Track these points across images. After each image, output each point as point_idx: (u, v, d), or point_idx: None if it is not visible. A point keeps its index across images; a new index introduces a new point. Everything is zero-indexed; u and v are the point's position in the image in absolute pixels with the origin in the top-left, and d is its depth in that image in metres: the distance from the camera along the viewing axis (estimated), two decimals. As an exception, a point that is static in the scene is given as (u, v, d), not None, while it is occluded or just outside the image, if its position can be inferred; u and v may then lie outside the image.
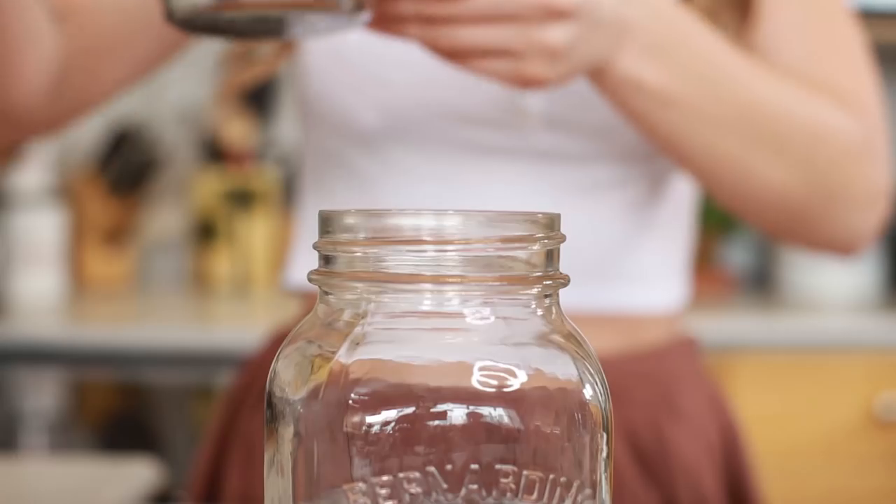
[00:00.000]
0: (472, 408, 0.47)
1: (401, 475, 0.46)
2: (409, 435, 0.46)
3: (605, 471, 0.49)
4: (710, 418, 1.02)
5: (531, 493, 0.47)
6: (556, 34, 0.75)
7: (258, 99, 2.51)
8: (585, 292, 0.95)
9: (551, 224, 0.50)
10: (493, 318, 0.48)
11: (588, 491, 0.48)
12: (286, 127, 2.56)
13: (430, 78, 0.91)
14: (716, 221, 2.30)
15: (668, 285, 1.01)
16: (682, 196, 1.01)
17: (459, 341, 0.48)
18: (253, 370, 1.04)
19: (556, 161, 0.94)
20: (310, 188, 1.03)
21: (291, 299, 1.11)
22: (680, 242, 1.03)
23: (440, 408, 0.46)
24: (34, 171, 2.34)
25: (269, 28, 0.78)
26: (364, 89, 0.94)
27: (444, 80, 0.90)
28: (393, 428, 0.46)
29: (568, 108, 0.92)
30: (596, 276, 0.96)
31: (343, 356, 0.48)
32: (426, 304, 0.48)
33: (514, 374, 0.47)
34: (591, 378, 0.49)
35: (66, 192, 2.44)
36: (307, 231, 1.03)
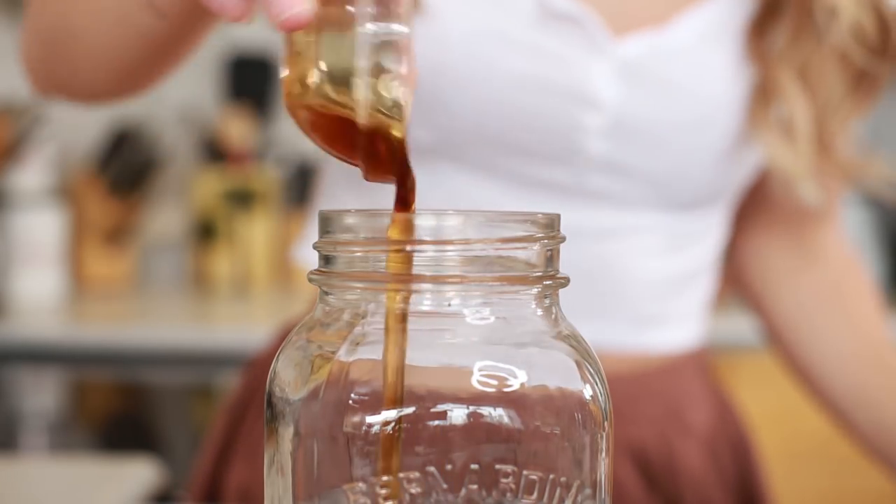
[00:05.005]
0: (472, 408, 0.46)
1: (401, 475, 0.46)
2: (409, 435, 0.46)
3: (605, 471, 0.49)
4: (720, 431, 1.01)
5: (531, 494, 0.47)
6: None
7: (258, 99, 2.51)
8: (613, 332, 0.95)
9: (551, 224, 0.49)
10: (492, 318, 0.48)
11: (588, 491, 0.48)
12: (286, 127, 2.55)
13: (491, 106, 0.88)
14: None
15: (694, 327, 1.01)
16: (716, 243, 1.01)
17: (459, 341, 0.48)
18: (258, 370, 1.04)
19: (603, 203, 0.92)
20: (338, 174, 0.99)
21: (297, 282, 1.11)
22: (709, 287, 1.03)
23: (440, 408, 0.46)
24: (34, 171, 2.34)
25: None
26: (422, 108, 0.87)
27: (506, 109, 0.88)
28: (393, 428, 0.46)
29: (629, 153, 0.90)
30: (629, 318, 0.96)
31: (343, 356, 0.48)
32: (426, 305, 0.48)
33: (514, 374, 0.47)
34: (591, 378, 0.49)
35: (66, 192, 2.43)
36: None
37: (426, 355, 0.48)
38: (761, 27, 0.91)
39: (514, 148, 0.89)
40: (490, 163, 0.90)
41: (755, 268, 1.06)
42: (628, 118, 0.89)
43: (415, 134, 0.89)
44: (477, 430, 0.46)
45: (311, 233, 1.04)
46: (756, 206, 1.04)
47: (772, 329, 1.06)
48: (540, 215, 0.49)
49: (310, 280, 0.50)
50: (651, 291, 0.96)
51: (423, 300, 0.48)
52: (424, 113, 0.88)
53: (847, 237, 1.07)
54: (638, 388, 0.96)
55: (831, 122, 0.92)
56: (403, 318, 0.48)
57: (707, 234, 0.99)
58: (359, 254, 0.48)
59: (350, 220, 0.49)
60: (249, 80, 2.51)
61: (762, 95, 0.92)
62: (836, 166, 0.94)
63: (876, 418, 0.98)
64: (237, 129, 2.45)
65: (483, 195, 0.91)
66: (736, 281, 1.09)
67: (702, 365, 1.03)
